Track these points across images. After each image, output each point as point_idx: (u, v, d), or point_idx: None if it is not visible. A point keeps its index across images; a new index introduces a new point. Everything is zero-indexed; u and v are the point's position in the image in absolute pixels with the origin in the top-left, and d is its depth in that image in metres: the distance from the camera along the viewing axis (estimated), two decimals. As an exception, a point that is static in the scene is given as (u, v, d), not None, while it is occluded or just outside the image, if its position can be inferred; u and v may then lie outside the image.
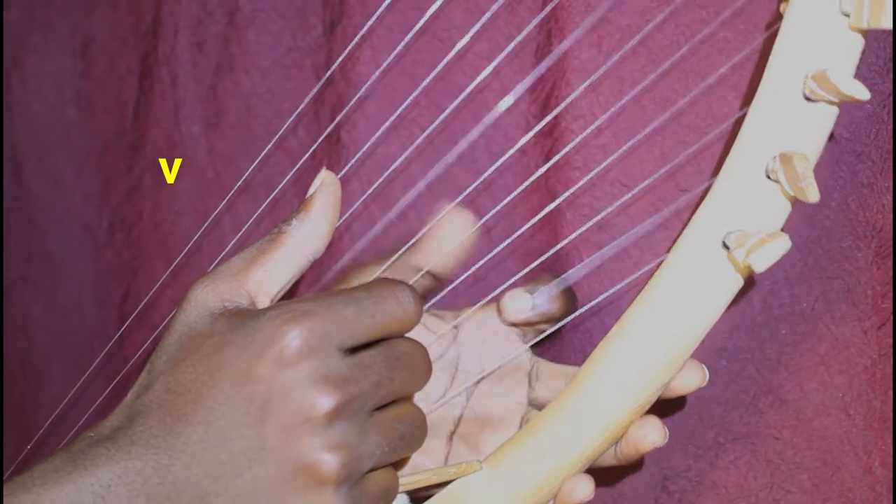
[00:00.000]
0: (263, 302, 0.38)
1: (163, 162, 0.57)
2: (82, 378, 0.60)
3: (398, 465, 0.40)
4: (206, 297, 0.36)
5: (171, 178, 0.57)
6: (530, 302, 0.44)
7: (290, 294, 0.40)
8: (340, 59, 0.54)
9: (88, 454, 0.34)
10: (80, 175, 0.61)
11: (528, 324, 0.45)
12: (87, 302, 0.62)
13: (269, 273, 0.38)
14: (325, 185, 0.39)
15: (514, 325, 0.46)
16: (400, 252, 0.44)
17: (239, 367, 0.34)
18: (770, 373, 0.48)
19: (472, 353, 0.47)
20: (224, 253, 0.57)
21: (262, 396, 0.34)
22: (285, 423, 0.34)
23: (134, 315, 0.60)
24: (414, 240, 0.45)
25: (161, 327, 0.54)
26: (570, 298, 0.46)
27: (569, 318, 0.45)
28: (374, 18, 0.52)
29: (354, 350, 0.35)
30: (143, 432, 0.34)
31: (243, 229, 0.56)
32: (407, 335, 0.38)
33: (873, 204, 0.46)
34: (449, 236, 0.44)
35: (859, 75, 0.45)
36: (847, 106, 0.46)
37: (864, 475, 0.47)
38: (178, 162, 0.58)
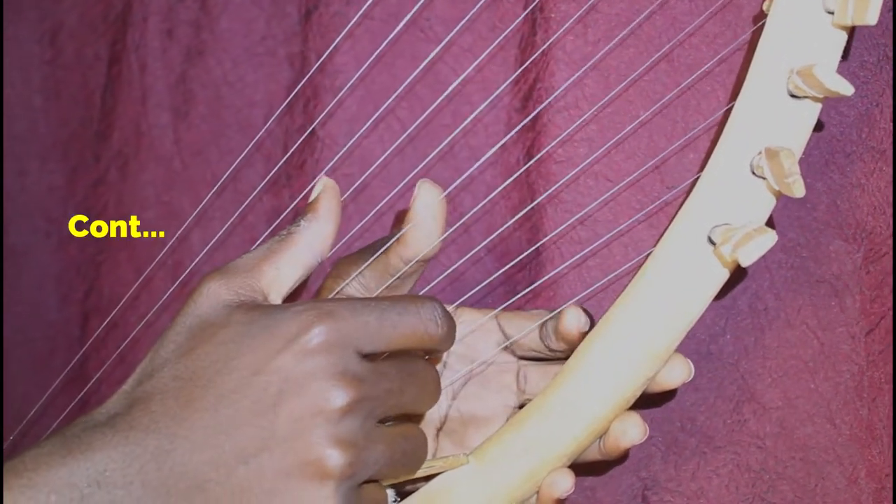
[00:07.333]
0: (275, 299, 0.39)
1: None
2: (43, 376, 0.59)
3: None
4: (220, 291, 0.37)
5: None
6: (588, 324, 0.43)
7: (292, 297, 0.41)
8: (318, 48, 0.53)
9: (84, 439, 0.33)
10: (46, 166, 0.60)
11: (567, 340, 0.44)
12: (49, 297, 0.61)
13: (281, 271, 0.39)
14: (328, 188, 0.41)
15: (564, 339, 0.44)
16: (386, 245, 0.44)
17: (257, 356, 0.35)
18: (754, 379, 0.48)
19: (459, 353, 0.47)
20: (192, 249, 0.56)
21: (278, 386, 0.34)
22: (298, 413, 0.34)
23: (96, 311, 0.59)
24: (400, 234, 0.44)
25: (105, 324, 0.53)
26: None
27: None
28: (356, 9, 0.52)
29: (372, 358, 0.36)
30: (144, 417, 0.34)
31: (218, 226, 0.55)
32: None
33: (864, 205, 0.45)
34: (424, 215, 0.43)
35: (851, 72, 0.44)
36: (838, 105, 0.45)
37: (848, 486, 0.47)
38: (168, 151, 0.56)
